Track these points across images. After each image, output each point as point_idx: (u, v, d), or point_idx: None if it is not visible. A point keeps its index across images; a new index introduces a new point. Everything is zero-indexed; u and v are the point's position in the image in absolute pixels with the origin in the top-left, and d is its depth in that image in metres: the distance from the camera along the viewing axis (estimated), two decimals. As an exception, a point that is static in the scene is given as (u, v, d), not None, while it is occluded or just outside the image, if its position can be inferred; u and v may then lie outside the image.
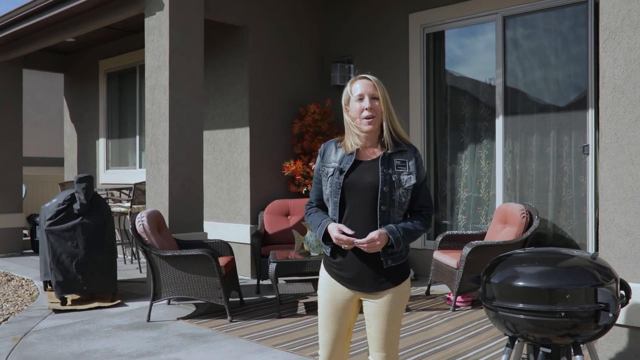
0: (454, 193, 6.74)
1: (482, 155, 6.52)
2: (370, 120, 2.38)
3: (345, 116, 2.47)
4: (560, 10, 5.86)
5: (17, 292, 6.48)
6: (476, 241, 5.29)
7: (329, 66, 7.53)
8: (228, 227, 7.16)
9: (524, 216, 5.44)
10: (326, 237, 2.39)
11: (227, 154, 7.19)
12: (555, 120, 5.96)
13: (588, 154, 5.66)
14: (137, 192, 7.57)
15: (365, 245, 2.26)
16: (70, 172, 10.07)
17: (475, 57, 6.60)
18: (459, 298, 5.45)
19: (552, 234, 6.01)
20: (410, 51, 6.85)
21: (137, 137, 8.91)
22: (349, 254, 2.38)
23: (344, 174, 2.38)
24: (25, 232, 9.92)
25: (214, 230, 7.20)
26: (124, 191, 8.51)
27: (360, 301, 2.47)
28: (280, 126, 7.22)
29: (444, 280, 5.59)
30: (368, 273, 2.37)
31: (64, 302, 5.65)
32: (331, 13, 7.69)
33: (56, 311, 5.51)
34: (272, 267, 5.13)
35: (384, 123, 2.40)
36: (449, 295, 5.59)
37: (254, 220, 7.00)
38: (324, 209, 2.52)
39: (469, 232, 6.02)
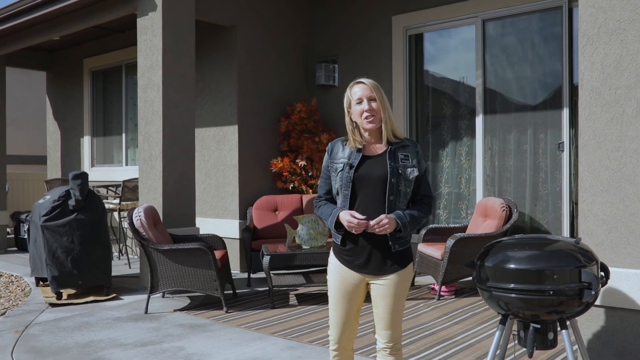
0: (436, 188, 7.03)
1: (462, 152, 6.82)
2: (371, 119, 2.62)
3: (347, 118, 2.70)
4: (537, 15, 6.18)
5: (8, 288, 6.57)
6: (459, 233, 5.58)
7: (314, 66, 7.74)
8: (216, 223, 7.33)
9: (504, 209, 5.75)
10: (337, 225, 2.62)
11: (216, 151, 7.37)
12: (532, 119, 6.29)
13: (563, 150, 6.00)
14: (125, 189, 7.69)
15: (375, 226, 2.50)
16: (54, 169, 10.10)
17: (455, 58, 6.89)
18: (444, 288, 5.74)
19: (529, 227, 6.34)
20: (393, 52, 7.11)
21: (124, 135, 9.00)
22: (359, 241, 2.62)
23: (354, 168, 2.62)
24: (8, 230, 9.92)
25: (202, 225, 7.36)
26: (111, 188, 8.61)
27: (368, 285, 2.71)
28: (268, 124, 7.42)
29: (428, 271, 5.86)
30: (378, 257, 2.61)
31: (59, 296, 5.77)
32: (317, 14, 7.91)
33: (53, 305, 5.63)
34: (266, 259, 5.34)
35: (383, 124, 2.64)
36: (434, 285, 5.87)
37: (243, 215, 7.19)
38: (332, 202, 2.75)
39: (452, 225, 6.31)
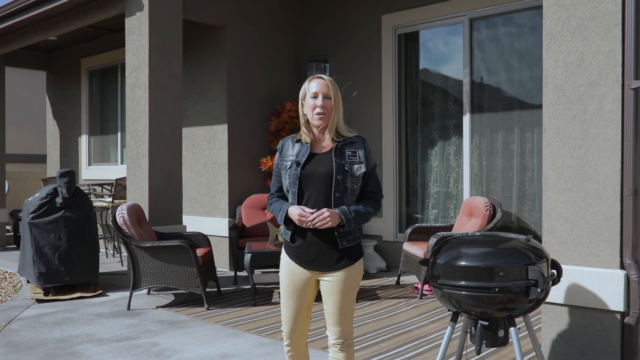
0: (425, 188, 7.03)
1: (451, 152, 6.81)
2: (321, 116, 2.64)
3: (300, 110, 2.73)
4: (522, 13, 6.16)
5: (0, 285, 6.65)
6: (442, 232, 5.58)
7: (305, 65, 7.77)
8: (207, 221, 7.38)
9: (487, 208, 5.73)
10: (287, 221, 2.64)
11: (207, 150, 7.42)
12: (519, 118, 6.26)
13: (548, 149, 5.96)
14: (119, 188, 7.76)
15: (315, 218, 2.52)
16: (53, 168, 10.21)
17: (444, 57, 6.88)
18: (426, 287, 5.73)
19: (516, 226, 6.32)
20: (382, 51, 7.12)
21: (119, 134, 9.09)
22: (307, 237, 2.64)
23: (301, 165, 2.64)
24: (8, 227, 10.05)
25: (194, 224, 7.42)
26: (106, 186, 8.70)
27: (318, 281, 2.72)
28: (258, 123, 7.46)
29: (412, 270, 5.86)
30: (326, 254, 2.62)
31: (46, 292, 5.84)
32: (307, 14, 7.94)
33: (39, 301, 5.70)
34: (247, 257, 5.37)
35: (331, 119, 2.65)
36: (417, 284, 5.87)
37: (232, 214, 7.23)
38: (285, 199, 2.77)
39: (436, 224, 6.31)
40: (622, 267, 3.17)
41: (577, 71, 3.29)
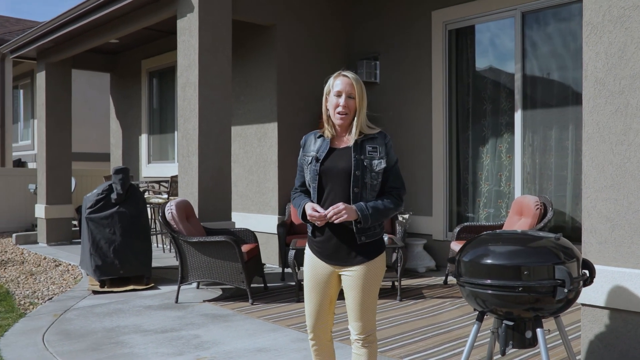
0: (476, 186, 6.88)
1: (502, 149, 6.63)
2: (343, 116, 2.65)
3: (324, 104, 2.74)
4: (574, 6, 5.93)
5: (63, 276, 7.00)
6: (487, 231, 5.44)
7: (355, 63, 7.75)
8: (258, 218, 7.50)
9: (538, 207, 5.55)
10: (305, 217, 2.67)
11: (257, 148, 7.54)
12: (573, 114, 6.03)
13: (604, 146, 5.71)
14: (174, 185, 8.01)
15: (331, 213, 2.52)
16: (116, 165, 10.64)
17: (495, 52, 6.71)
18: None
19: (570, 227, 6.09)
20: (432, 47, 7.02)
21: (176, 133, 9.36)
22: (327, 233, 2.65)
23: (320, 161, 2.65)
24: (74, 222, 10.55)
25: (244, 220, 7.55)
26: (163, 184, 8.98)
27: (340, 276, 2.73)
28: (307, 121, 7.50)
29: (459, 269, 5.75)
30: (343, 248, 2.63)
31: (102, 284, 6.11)
32: (357, 11, 7.92)
33: (95, 292, 5.96)
34: (291, 253, 5.42)
35: (356, 118, 2.65)
36: (464, 284, 5.75)
37: (282, 211, 7.31)
38: (307, 194, 2.79)
39: (487, 223, 6.16)
40: (667, 269, 3.01)
41: (618, 63, 3.14)
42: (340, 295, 2.78)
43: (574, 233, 6.03)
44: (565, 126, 6.10)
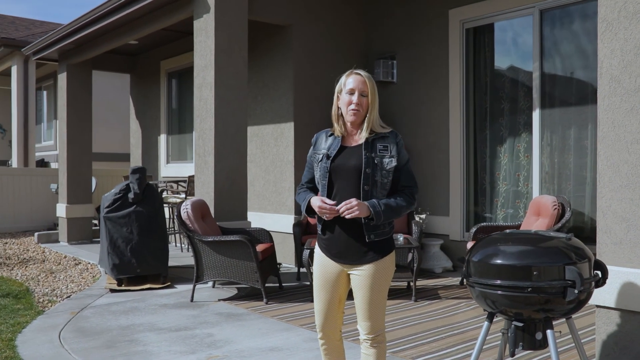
0: (493, 186, 6.81)
1: (520, 149, 6.55)
2: (355, 112, 2.64)
3: (335, 103, 2.74)
4: (592, 3, 5.83)
5: (82, 275, 7.09)
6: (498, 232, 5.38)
7: (373, 62, 7.73)
8: (274, 218, 7.51)
9: (555, 208, 5.47)
10: (309, 211, 2.66)
11: (274, 147, 7.55)
12: (592, 114, 5.94)
13: (624, 146, 5.61)
14: (191, 184, 8.06)
15: (343, 208, 2.51)
16: (136, 165, 10.76)
17: (513, 51, 6.63)
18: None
19: (589, 227, 5.99)
20: (450, 45, 6.96)
21: (194, 133, 9.41)
22: (336, 231, 2.64)
23: (331, 159, 2.65)
24: (94, 221, 10.68)
25: (261, 220, 7.57)
26: (181, 183, 9.05)
27: (349, 275, 2.72)
28: (323, 121, 7.48)
29: (475, 270, 5.69)
30: (352, 246, 2.62)
31: (120, 283, 6.17)
32: (373, 11, 7.89)
33: (112, 291, 6.03)
34: (305, 253, 5.42)
35: (367, 116, 2.64)
36: (480, 285, 5.69)
37: (298, 211, 7.31)
38: (313, 191, 2.79)
39: (504, 224, 6.09)
40: (683, 270, 2.94)
41: (634, 60, 3.09)
42: (350, 295, 2.77)
43: (593, 233, 5.90)
44: (584, 125, 6.01)
